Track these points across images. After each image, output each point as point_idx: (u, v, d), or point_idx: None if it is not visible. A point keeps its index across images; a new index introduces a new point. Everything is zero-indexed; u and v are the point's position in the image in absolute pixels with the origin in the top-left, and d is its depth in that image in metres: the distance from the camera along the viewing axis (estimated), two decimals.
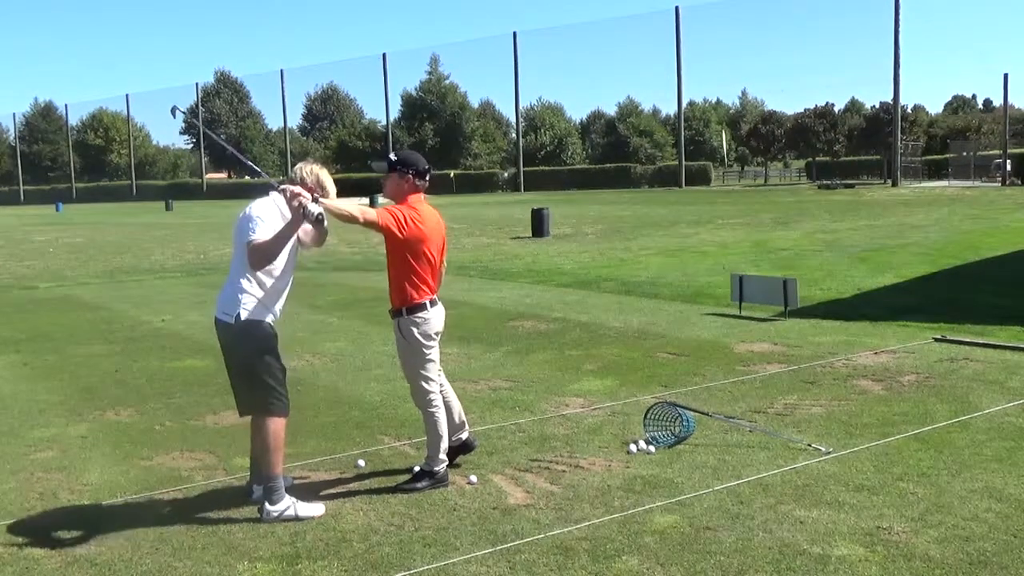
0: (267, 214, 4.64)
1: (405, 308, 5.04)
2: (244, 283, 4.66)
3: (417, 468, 5.20)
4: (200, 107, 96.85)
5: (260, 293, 4.69)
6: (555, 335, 9.85)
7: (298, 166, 4.90)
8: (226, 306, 4.69)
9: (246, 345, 4.67)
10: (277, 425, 4.73)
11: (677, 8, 65.82)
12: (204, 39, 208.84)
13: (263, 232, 4.55)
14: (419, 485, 5.04)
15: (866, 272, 14.35)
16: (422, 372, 5.10)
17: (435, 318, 5.12)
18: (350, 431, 6.32)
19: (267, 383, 4.70)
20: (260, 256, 4.56)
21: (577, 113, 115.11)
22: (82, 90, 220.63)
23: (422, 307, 5.05)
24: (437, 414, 5.14)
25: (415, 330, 5.05)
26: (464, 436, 5.46)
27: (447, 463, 5.19)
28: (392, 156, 5.08)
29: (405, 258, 5.01)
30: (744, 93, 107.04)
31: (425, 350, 5.09)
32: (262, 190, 4.98)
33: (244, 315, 4.64)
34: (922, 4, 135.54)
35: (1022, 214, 26.31)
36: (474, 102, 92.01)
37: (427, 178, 5.11)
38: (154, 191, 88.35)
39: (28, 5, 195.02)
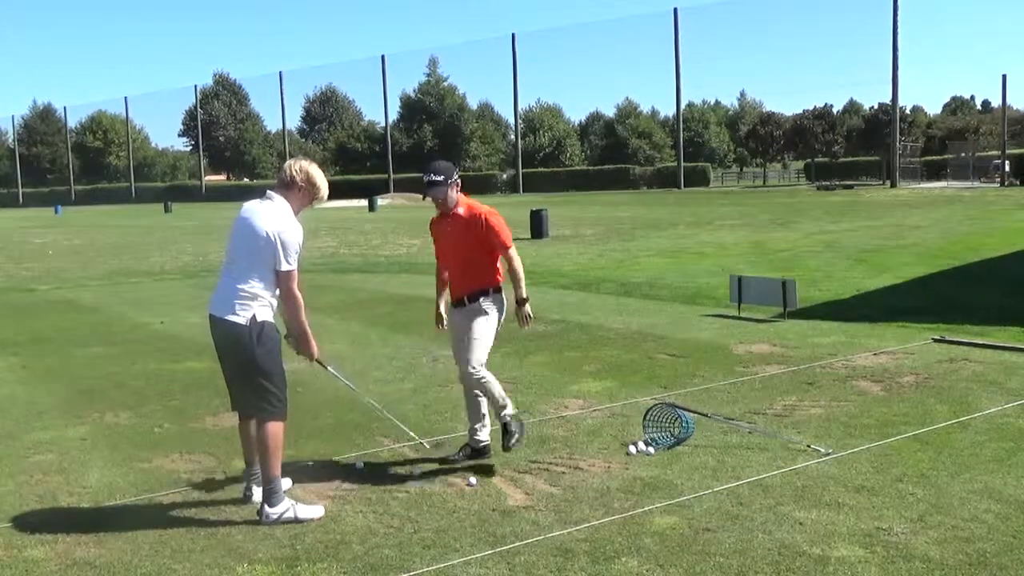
0: (297, 235, 4.70)
1: (492, 288, 5.46)
2: (256, 285, 4.66)
3: (501, 424, 5.39)
4: (199, 109, 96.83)
5: (271, 296, 4.72)
6: (554, 336, 9.85)
7: (287, 165, 4.87)
8: (236, 306, 4.65)
9: (258, 346, 4.66)
10: (276, 428, 4.72)
11: (676, 9, 66.01)
12: (203, 41, 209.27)
13: (295, 261, 4.71)
14: (515, 439, 5.33)
15: (865, 273, 14.35)
16: (488, 349, 5.39)
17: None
18: (349, 433, 6.32)
19: (269, 385, 4.70)
20: (291, 296, 4.74)
21: (576, 115, 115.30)
22: (81, 92, 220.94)
23: (501, 287, 5.53)
24: (488, 380, 5.36)
25: (498, 307, 5.49)
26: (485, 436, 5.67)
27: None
28: (439, 177, 5.39)
29: (491, 248, 5.46)
30: (743, 94, 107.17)
31: (499, 327, 5.50)
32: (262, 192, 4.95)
33: (260, 316, 4.67)
34: (921, 5, 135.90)
35: (1021, 215, 26.33)
36: (473, 104, 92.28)
37: None
38: (153, 193, 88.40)
39: (27, 7, 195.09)
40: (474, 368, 5.31)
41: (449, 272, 5.65)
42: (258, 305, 4.66)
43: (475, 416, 5.61)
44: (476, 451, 5.58)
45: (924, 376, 7.36)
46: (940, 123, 75.51)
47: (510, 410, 5.41)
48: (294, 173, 4.80)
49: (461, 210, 5.48)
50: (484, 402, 5.57)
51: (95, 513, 4.93)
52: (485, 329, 5.39)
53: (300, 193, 4.81)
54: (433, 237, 5.75)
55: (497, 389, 5.39)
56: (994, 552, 4.02)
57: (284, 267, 4.65)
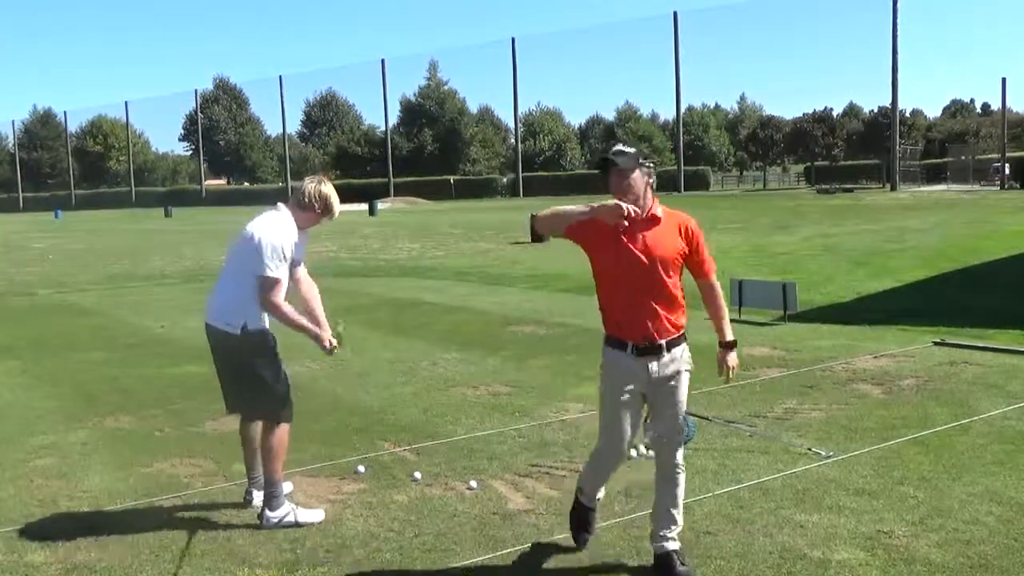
0: (287, 244, 4.57)
1: (684, 332, 4.09)
2: (247, 293, 4.62)
3: (665, 551, 3.95)
4: (199, 113, 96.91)
5: (255, 301, 4.65)
6: (555, 340, 9.84)
7: (307, 188, 4.73)
8: (227, 315, 4.65)
9: (254, 354, 4.66)
10: (283, 431, 4.74)
11: (675, 13, 66.04)
12: (203, 46, 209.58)
13: (281, 271, 4.55)
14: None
15: (865, 276, 14.35)
16: None
17: None
18: (350, 437, 6.32)
19: (275, 391, 4.71)
20: (268, 305, 4.58)
21: (576, 118, 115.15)
22: (81, 97, 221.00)
23: None
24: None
25: None
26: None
27: None
28: (630, 149, 3.91)
29: (681, 272, 4.12)
30: (743, 98, 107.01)
31: None
32: (265, 198, 4.94)
33: (251, 326, 4.63)
34: (920, 8, 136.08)
35: (1020, 217, 26.33)
36: (473, 108, 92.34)
37: None
38: (153, 198, 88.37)
39: (27, 11, 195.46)
40: (680, 458, 4.09)
41: (626, 303, 4.08)
42: (250, 312, 4.62)
43: (666, 518, 3.99)
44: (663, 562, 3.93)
45: (925, 379, 7.35)
46: (940, 126, 75.61)
47: (679, 527, 4.02)
48: (313, 200, 4.70)
49: (659, 211, 3.95)
50: (678, 497, 4.04)
51: (96, 517, 4.92)
52: (685, 398, 4.14)
53: (311, 215, 4.76)
54: (600, 252, 4.02)
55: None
56: (995, 555, 4.01)
57: (266, 273, 4.52)
